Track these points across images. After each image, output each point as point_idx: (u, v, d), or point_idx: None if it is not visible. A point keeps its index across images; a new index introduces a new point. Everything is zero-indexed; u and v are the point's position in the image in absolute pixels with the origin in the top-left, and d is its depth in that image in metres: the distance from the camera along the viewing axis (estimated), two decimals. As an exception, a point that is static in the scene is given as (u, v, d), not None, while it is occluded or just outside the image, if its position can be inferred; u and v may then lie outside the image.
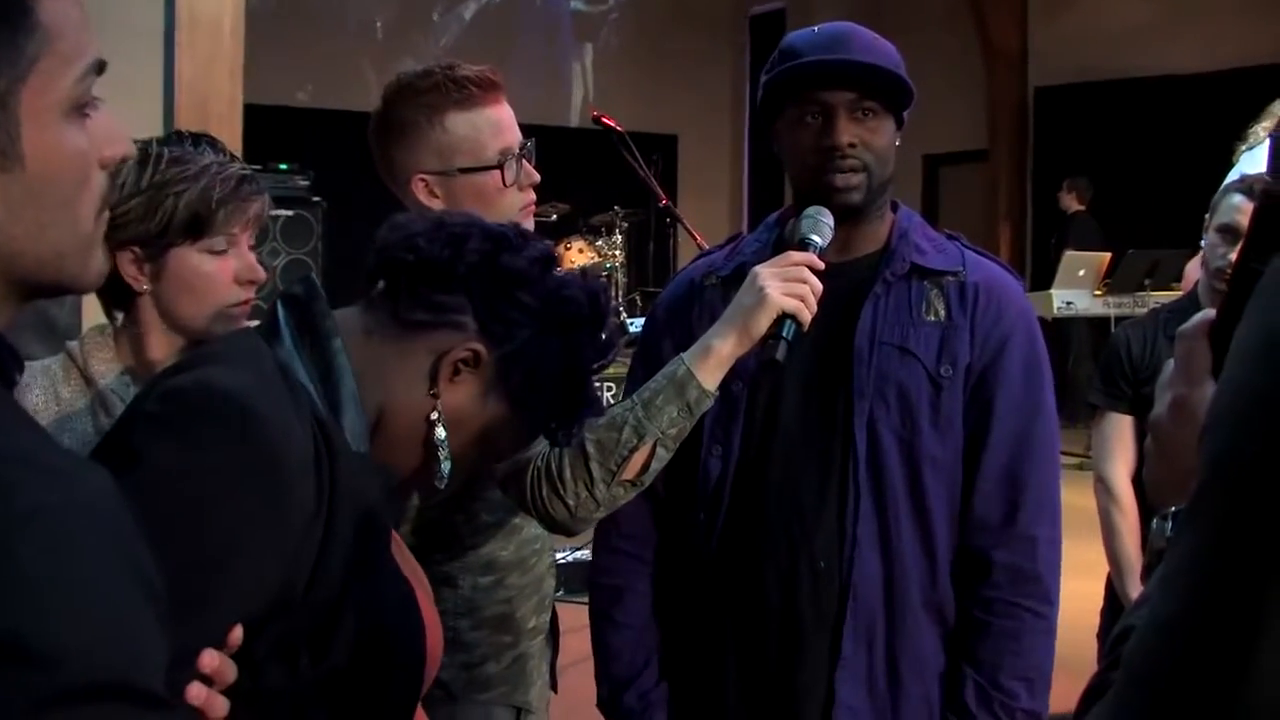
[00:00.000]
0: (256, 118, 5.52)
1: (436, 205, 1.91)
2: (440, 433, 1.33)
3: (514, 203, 1.95)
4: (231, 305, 1.81)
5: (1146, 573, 0.91)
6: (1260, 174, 2.88)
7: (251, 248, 1.84)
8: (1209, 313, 0.92)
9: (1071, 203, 10.78)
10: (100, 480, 0.84)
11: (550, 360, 1.37)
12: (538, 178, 1.98)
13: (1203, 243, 2.97)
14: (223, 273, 1.79)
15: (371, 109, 2.01)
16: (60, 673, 0.73)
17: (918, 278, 1.91)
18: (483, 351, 1.33)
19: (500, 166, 1.92)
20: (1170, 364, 0.95)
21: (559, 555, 2.86)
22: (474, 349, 1.33)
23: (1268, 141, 3.44)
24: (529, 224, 1.96)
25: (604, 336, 1.41)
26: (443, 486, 1.36)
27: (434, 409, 1.33)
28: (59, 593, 0.76)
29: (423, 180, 1.92)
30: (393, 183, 1.98)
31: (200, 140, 1.82)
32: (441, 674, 1.72)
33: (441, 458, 1.34)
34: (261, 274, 1.82)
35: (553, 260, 1.40)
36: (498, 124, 1.94)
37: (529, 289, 1.35)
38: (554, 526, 1.83)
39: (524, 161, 1.96)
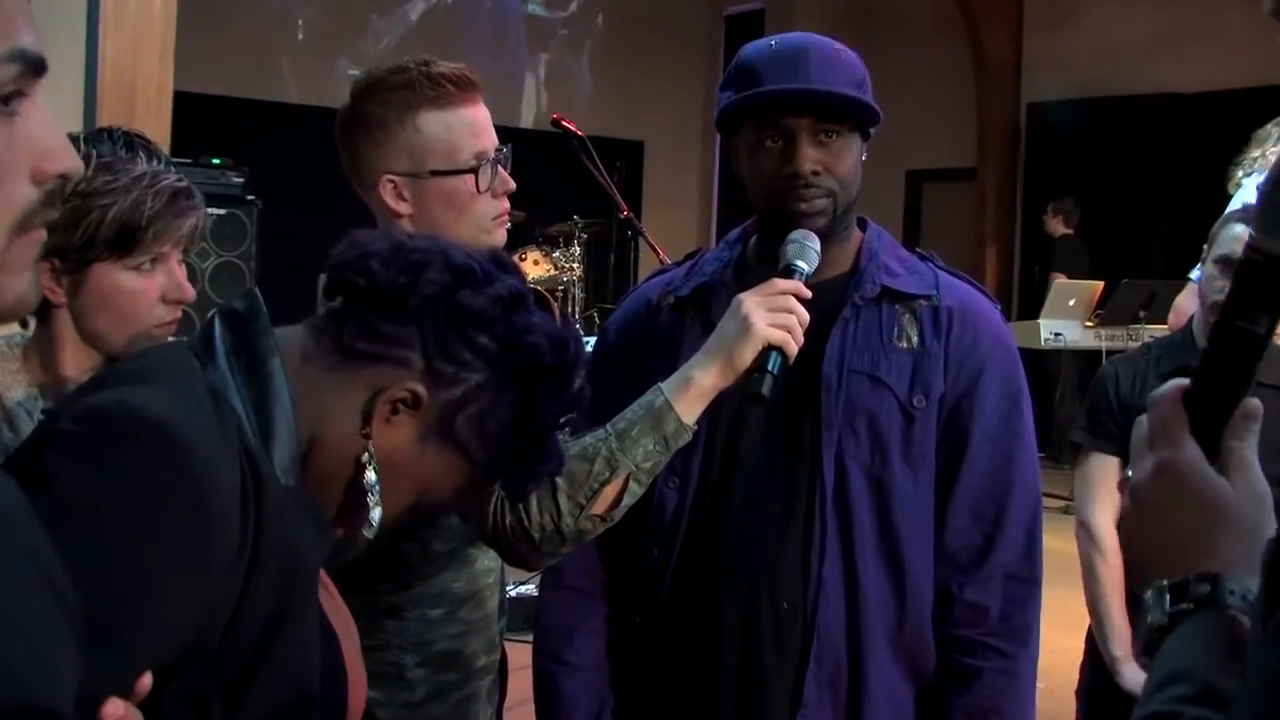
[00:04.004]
0: (186, 107, 5.49)
1: (404, 209, 1.92)
2: (371, 476, 1.30)
3: (487, 211, 1.96)
4: (155, 325, 1.80)
5: (1148, 649, 0.91)
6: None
7: (182, 261, 1.83)
8: (1181, 382, 0.94)
9: (1057, 226, 10.85)
10: (8, 490, 0.83)
11: (503, 410, 1.33)
12: (513, 186, 1.99)
13: (1194, 274, 3.01)
14: (147, 291, 1.78)
15: (324, 104, 2.01)
16: None
17: (889, 301, 1.94)
18: (422, 393, 1.30)
19: (474, 171, 1.94)
20: (1141, 425, 0.97)
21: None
22: (412, 389, 1.30)
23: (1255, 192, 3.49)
24: (501, 235, 1.98)
25: (571, 389, 1.37)
26: (370, 535, 1.33)
27: (364, 450, 1.30)
28: None
29: (391, 181, 1.93)
30: (359, 185, 1.98)
31: (133, 142, 1.81)
32: (381, 713, 1.72)
33: (370, 504, 1.31)
34: (190, 293, 1.82)
35: (521, 300, 1.36)
36: (473, 125, 1.95)
37: (486, 330, 1.32)
38: (515, 560, 1.83)
39: (499, 167, 1.97)
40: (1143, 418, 0.97)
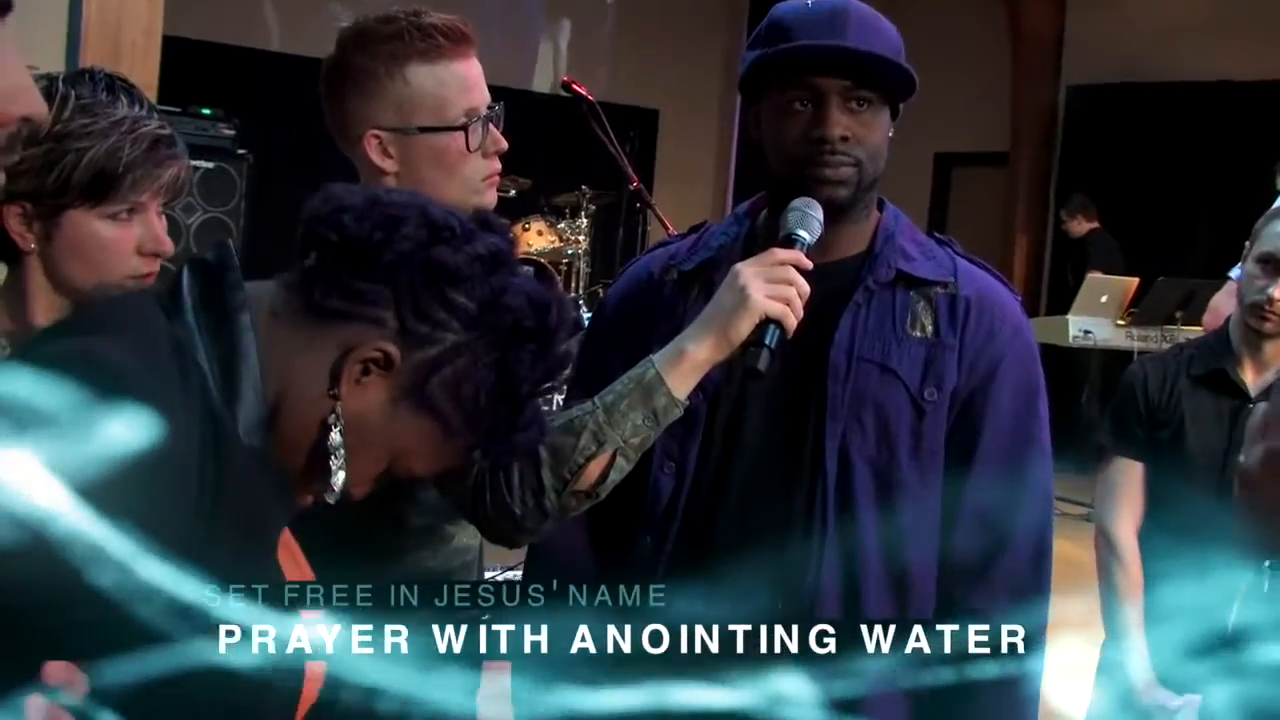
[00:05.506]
0: (176, 52, 5.50)
1: (390, 166, 1.94)
2: (335, 439, 1.33)
3: (477, 171, 1.97)
4: (130, 277, 1.81)
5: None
6: None
7: (161, 213, 1.84)
8: None
9: (1080, 225, 10.67)
10: None
11: (480, 373, 1.35)
12: (505, 145, 2.00)
13: (1233, 273, 3.02)
14: (123, 241, 1.79)
15: (320, 54, 2.03)
16: None
17: (904, 287, 1.94)
18: (394, 353, 1.32)
19: (465, 128, 1.95)
20: (1256, 413, 1.01)
21: (489, 574, 2.88)
22: (384, 349, 1.32)
23: None
24: (491, 197, 2.00)
25: (553, 354, 1.40)
26: (332, 501, 1.36)
27: (332, 412, 1.32)
28: None
29: (376, 137, 1.94)
30: (343, 139, 2.00)
31: (115, 85, 1.81)
32: (345, 695, 1.74)
33: (334, 468, 1.33)
34: (168, 246, 1.83)
35: (502, 259, 1.38)
36: (465, 81, 1.96)
37: (464, 288, 1.34)
38: (496, 536, 1.84)
39: (491, 126, 1.98)
40: (1259, 405, 1.02)
